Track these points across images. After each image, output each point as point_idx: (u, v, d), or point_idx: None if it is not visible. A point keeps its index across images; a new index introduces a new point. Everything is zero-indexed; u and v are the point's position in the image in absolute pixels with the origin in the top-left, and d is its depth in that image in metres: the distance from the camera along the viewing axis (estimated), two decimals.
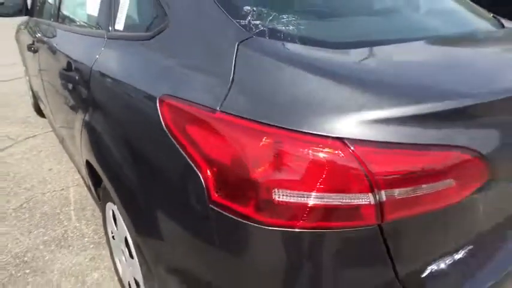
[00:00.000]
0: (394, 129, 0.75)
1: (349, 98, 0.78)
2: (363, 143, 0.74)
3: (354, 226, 0.76)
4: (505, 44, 1.33)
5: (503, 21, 1.63)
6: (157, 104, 0.97)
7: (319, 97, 0.78)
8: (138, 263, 1.30)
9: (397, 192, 0.76)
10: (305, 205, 0.74)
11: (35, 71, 2.74)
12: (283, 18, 1.03)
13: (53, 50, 1.99)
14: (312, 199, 0.74)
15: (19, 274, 1.89)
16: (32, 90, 3.47)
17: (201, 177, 0.85)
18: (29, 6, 3.06)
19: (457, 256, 0.94)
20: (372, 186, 0.74)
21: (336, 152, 0.74)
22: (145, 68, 1.13)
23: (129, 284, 1.54)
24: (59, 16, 2.12)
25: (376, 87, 0.81)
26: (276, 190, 0.75)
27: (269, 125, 0.77)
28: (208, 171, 0.84)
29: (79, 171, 2.12)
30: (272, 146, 0.76)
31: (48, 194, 2.56)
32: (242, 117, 0.80)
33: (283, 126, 0.76)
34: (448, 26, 1.41)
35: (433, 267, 0.90)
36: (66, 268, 1.92)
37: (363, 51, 0.98)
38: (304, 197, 0.74)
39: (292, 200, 0.75)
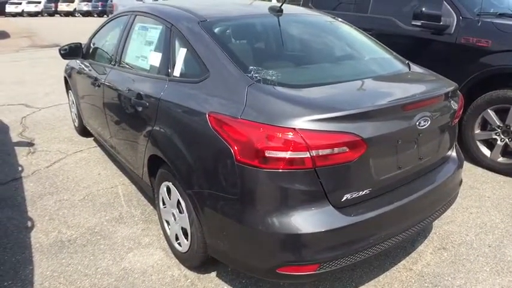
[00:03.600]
0: (320, 124, 1.68)
1: (298, 110, 1.71)
2: (304, 130, 1.66)
3: (303, 168, 1.68)
4: (404, 77, 2.32)
5: (411, 64, 2.59)
6: (207, 117, 1.89)
7: (284, 110, 1.72)
8: (186, 214, 2.18)
9: (320, 152, 1.67)
10: (280, 158, 1.65)
11: (91, 100, 3.66)
12: (270, 72, 1.97)
13: (118, 87, 2.92)
14: (282, 155, 1.65)
15: (93, 239, 2.75)
16: (79, 116, 4.39)
17: (231, 150, 1.75)
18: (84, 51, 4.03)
19: (361, 192, 1.84)
20: (309, 148, 1.65)
21: (292, 134, 1.66)
22: (196, 98, 2.06)
23: (176, 236, 2.41)
24: (120, 61, 3.07)
25: (312, 104, 1.77)
26: (266, 152, 1.66)
27: (262, 123, 1.69)
28: (235, 147, 1.74)
29: (129, 172, 3.01)
30: (264, 132, 1.68)
31: (101, 190, 3.44)
32: (250, 120, 1.72)
33: (269, 123, 1.69)
34: (381, 68, 2.41)
35: (347, 196, 1.81)
36: (125, 235, 2.78)
37: (312, 88, 1.92)
38: (279, 154, 1.65)
39: (274, 155, 1.66)
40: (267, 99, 1.80)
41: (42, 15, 38.09)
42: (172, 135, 2.16)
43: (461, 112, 2.36)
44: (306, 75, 2.20)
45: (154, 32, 2.69)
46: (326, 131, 1.68)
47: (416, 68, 2.56)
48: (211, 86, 2.02)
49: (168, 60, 2.41)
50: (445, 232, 2.81)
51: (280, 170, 1.68)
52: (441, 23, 3.95)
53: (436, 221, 2.83)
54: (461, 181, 2.51)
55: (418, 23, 4.07)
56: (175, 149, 2.12)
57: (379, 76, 2.29)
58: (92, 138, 4.65)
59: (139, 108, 2.53)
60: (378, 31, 4.44)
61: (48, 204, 3.21)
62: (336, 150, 1.69)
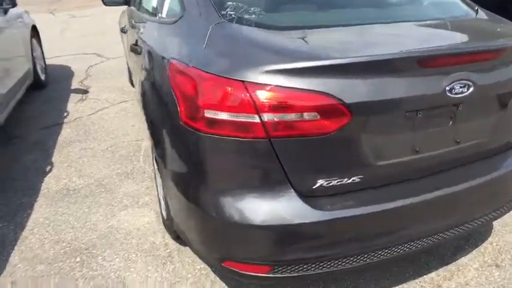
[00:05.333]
0: (279, 77, 1.21)
1: (256, 57, 1.26)
2: (254, 84, 1.21)
3: (252, 137, 1.24)
4: (453, 25, 1.68)
5: (481, 11, 1.87)
6: (168, 64, 1.53)
7: (241, 56, 1.28)
8: (160, 180, 1.90)
9: (276, 116, 1.21)
10: (224, 120, 1.24)
11: (127, 48, 3.53)
12: (252, 10, 1.51)
13: (134, 32, 2.69)
14: (225, 116, 1.24)
15: (97, 191, 2.65)
16: (128, 65, 4.35)
17: (178, 108, 1.39)
18: None
19: (345, 180, 1.35)
20: (258, 111, 1.21)
21: (237, 88, 1.22)
22: (165, 42, 1.70)
23: (159, 200, 2.17)
24: (140, 6, 2.82)
25: (278, 50, 1.30)
26: (207, 111, 1.26)
27: (210, 73, 1.28)
28: (181, 104, 1.37)
29: None
30: (209, 85, 1.28)
31: (126, 142, 3.35)
32: (198, 69, 1.31)
33: (216, 74, 1.27)
34: (425, 13, 1.83)
35: (322, 182, 1.33)
36: (128, 191, 2.63)
37: (294, 31, 1.43)
38: (222, 116, 1.24)
39: (218, 117, 1.25)
40: (228, 42, 1.38)
41: None
42: (148, 86, 1.86)
43: None
44: (303, 16, 1.66)
45: None
46: (285, 87, 1.20)
47: (485, 16, 1.84)
48: (183, 26, 1.64)
49: (162, 2, 2.07)
50: (506, 244, 2.12)
51: (226, 138, 1.27)
52: None
53: (499, 226, 2.17)
54: None
55: None
56: (149, 102, 1.82)
57: (413, 22, 1.66)
58: None
59: (140, 57, 2.27)
60: None
61: (73, 151, 3.21)
62: (301, 116, 1.22)
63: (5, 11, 3.70)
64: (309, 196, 1.33)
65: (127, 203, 2.51)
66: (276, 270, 1.37)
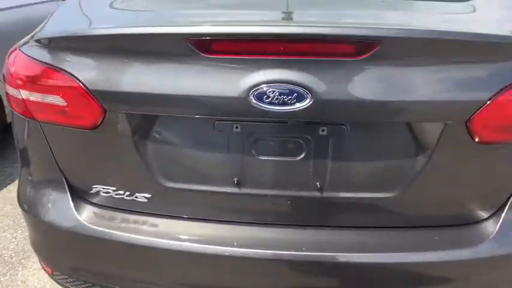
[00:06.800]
0: (39, 49, 1.03)
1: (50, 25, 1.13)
2: (22, 54, 1.05)
3: (26, 115, 1.08)
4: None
5: None
6: None
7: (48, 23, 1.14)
8: None
9: (30, 94, 1.03)
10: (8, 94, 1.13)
11: None
12: None
13: None
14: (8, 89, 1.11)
15: None
16: None
17: None
18: None
19: (128, 193, 1.08)
20: (17, 85, 1.05)
21: (12, 57, 1.09)
22: None
23: None
24: None
25: (67, 20, 1.18)
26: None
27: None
28: None
29: None
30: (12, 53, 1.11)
31: None
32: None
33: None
34: None
35: (99, 189, 1.10)
36: None
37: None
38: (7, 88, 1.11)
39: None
40: (60, 8, 1.24)
41: None
42: None
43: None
44: None
45: None
46: (37, 60, 1.02)
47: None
48: None
49: None
50: None
51: (14, 113, 1.14)
52: None
53: None
54: None
55: None
56: None
57: None
58: None
59: None
60: None
61: None
62: (46, 97, 1.02)
63: None
64: (85, 200, 1.13)
65: None
66: (55, 275, 1.26)
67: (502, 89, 0.88)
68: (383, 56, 0.88)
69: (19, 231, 2.05)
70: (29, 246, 1.92)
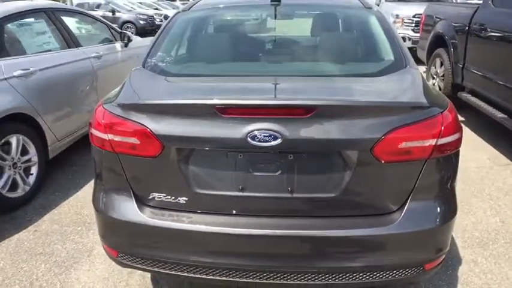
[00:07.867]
0: (121, 109, 1.74)
1: (125, 92, 1.88)
2: (107, 111, 1.77)
3: (107, 150, 1.77)
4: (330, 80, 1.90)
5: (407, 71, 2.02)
6: None
7: (123, 90, 1.91)
8: None
9: (116, 137, 1.72)
10: (93, 135, 1.83)
11: None
12: (166, 59, 2.04)
13: None
14: (93, 131, 1.83)
15: None
16: None
17: None
18: None
19: (173, 199, 1.75)
20: (106, 130, 1.75)
21: (98, 112, 1.81)
22: None
23: None
24: None
25: (140, 89, 1.91)
26: (91, 129, 1.83)
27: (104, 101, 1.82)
28: None
29: None
30: (96, 109, 1.83)
31: None
32: (104, 101, 1.84)
33: (103, 101, 1.86)
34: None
35: (155, 196, 1.78)
36: None
37: (177, 77, 2.05)
38: (92, 131, 1.85)
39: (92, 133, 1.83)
40: (130, 81, 1.92)
41: None
42: None
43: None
44: (203, 68, 2.21)
45: None
46: (119, 116, 1.71)
47: (396, 77, 1.94)
48: None
49: None
50: None
51: (95, 147, 1.82)
52: None
53: None
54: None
55: None
56: None
57: (289, 76, 2.07)
58: None
59: None
60: None
61: None
62: (125, 139, 1.70)
63: (126, 45, 4.75)
64: (145, 204, 1.78)
65: None
66: (121, 256, 1.84)
67: (389, 131, 1.59)
68: (320, 114, 1.59)
69: (67, 243, 2.66)
70: (77, 254, 2.52)
